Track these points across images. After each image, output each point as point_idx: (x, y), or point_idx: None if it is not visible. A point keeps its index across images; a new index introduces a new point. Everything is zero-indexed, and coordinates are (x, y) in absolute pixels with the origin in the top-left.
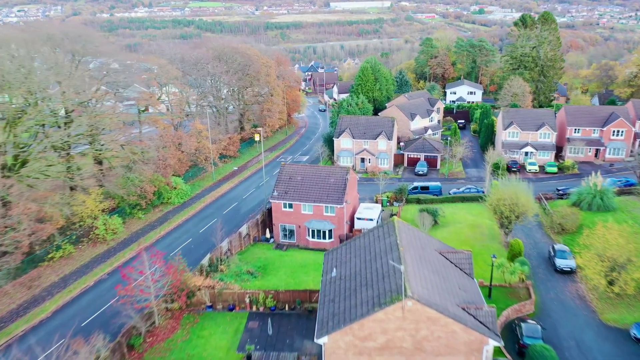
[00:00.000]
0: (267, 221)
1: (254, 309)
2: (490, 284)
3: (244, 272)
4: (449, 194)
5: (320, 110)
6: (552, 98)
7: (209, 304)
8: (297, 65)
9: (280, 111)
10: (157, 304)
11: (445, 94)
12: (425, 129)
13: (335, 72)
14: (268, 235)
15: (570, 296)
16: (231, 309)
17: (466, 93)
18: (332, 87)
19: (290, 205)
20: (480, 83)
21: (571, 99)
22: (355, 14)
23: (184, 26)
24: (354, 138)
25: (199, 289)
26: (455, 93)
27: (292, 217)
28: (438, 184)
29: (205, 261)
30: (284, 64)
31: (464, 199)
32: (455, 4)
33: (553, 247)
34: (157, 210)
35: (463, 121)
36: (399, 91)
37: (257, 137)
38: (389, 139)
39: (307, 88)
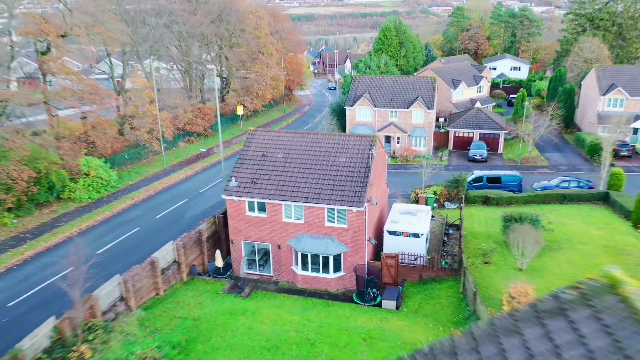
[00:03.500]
0: (220, 236)
1: None
2: None
3: (137, 358)
4: (533, 189)
5: (330, 89)
6: None
7: None
8: (305, 52)
9: (275, 77)
10: None
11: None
12: (472, 102)
13: (348, 51)
14: (220, 262)
15: None
16: None
17: (509, 69)
18: (345, 63)
19: (263, 207)
20: None
21: None
22: (369, 6)
23: None
24: (375, 107)
25: None
26: (495, 69)
27: (266, 228)
28: (517, 173)
29: (37, 339)
30: (281, 20)
31: (564, 198)
32: None
33: None
34: (46, 212)
35: (515, 96)
36: (426, 66)
37: (239, 111)
38: (428, 108)
39: (315, 71)
